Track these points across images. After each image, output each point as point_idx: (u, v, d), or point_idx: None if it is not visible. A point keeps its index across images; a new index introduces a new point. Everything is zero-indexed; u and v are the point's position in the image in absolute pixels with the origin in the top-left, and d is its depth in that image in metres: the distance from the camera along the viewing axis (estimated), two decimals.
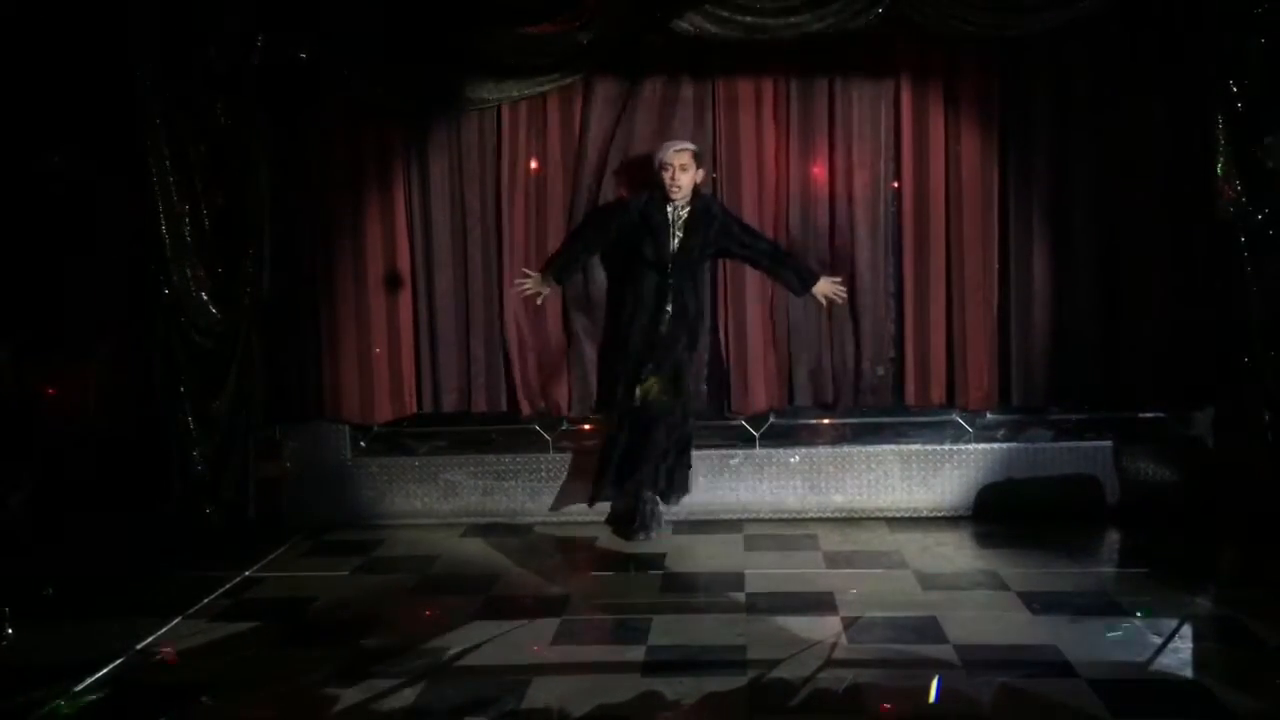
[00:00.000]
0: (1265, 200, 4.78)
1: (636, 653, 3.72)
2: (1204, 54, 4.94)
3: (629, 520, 5.23)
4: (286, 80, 5.18)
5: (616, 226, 5.23)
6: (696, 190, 5.12)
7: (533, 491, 5.53)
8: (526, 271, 5.33)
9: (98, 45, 4.82)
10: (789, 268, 5.19)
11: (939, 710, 3.26)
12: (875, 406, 5.59)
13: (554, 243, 5.52)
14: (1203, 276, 5.19)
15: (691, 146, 5.10)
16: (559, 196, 5.55)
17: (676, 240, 5.07)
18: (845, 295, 5.24)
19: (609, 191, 5.52)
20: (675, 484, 5.17)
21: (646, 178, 5.46)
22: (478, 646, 3.85)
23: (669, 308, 5.08)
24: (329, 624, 4.17)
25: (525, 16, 4.92)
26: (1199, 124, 5.00)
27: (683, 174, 5.01)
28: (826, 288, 5.16)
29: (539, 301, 5.34)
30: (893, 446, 5.43)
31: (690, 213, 5.08)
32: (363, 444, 5.71)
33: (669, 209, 5.08)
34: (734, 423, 5.58)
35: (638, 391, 5.06)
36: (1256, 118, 4.76)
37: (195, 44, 4.89)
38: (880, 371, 5.53)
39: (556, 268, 5.29)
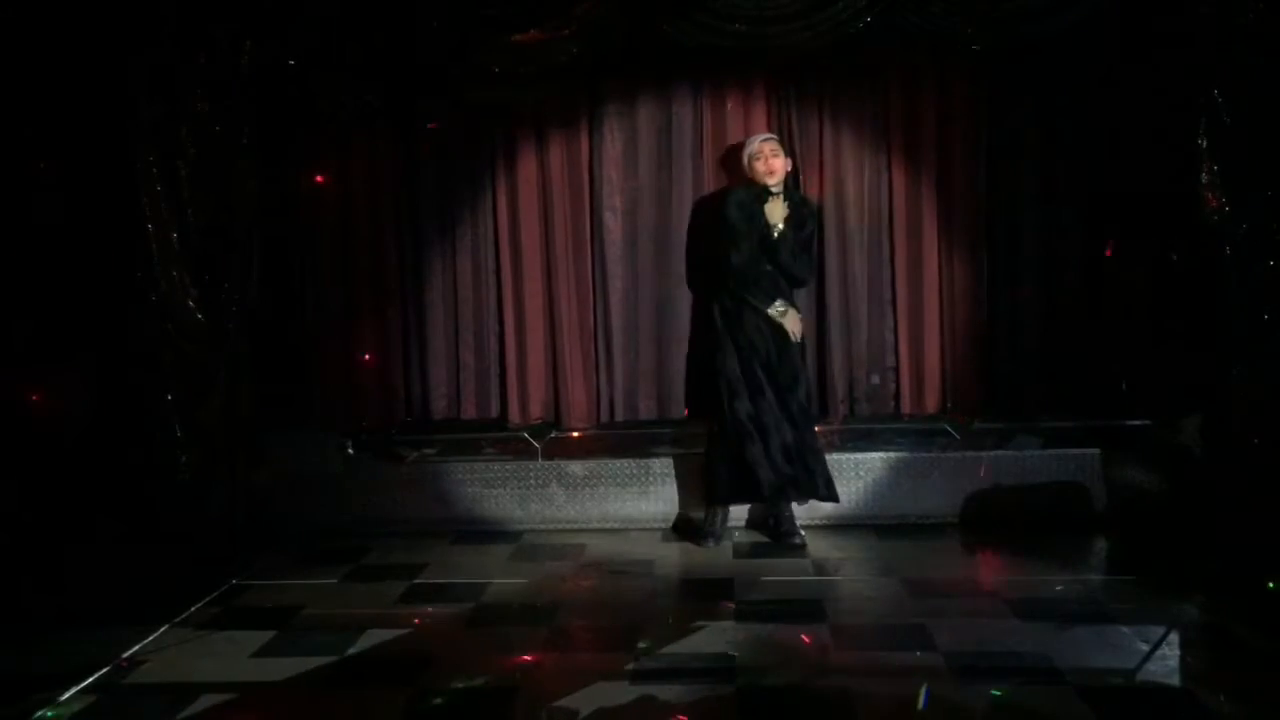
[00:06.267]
0: (1249, 209, 4.81)
1: (625, 660, 3.71)
2: (1189, 64, 4.96)
3: (697, 528, 5.17)
4: (275, 87, 5.17)
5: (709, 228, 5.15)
6: (787, 181, 5.03)
7: (521, 499, 5.52)
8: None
9: (88, 51, 4.80)
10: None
11: (927, 718, 3.26)
12: (874, 415, 5.61)
13: (551, 248, 5.55)
14: (1188, 285, 5.22)
15: (773, 136, 5.07)
16: (551, 202, 5.56)
17: (778, 228, 4.91)
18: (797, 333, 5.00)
19: (604, 196, 5.54)
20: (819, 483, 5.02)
21: (641, 182, 5.48)
22: (468, 654, 3.85)
23: (779, 297, 4.93)
24: (317, 632, 4.15)
25: (514, 25, 4.93)
26: (1184, 134, 5.02)
27: (775, 159, 4.92)
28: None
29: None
30: (881, 454, 5.43)
31: (788, 201, 4.95)
32: (351, 451, 5.70)
33: (768, 197, 4.93)
34: None
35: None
36: (1241, 127, 4.79)
37: (185, 50, 4.88)
38: (876, 380, 5.55)
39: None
